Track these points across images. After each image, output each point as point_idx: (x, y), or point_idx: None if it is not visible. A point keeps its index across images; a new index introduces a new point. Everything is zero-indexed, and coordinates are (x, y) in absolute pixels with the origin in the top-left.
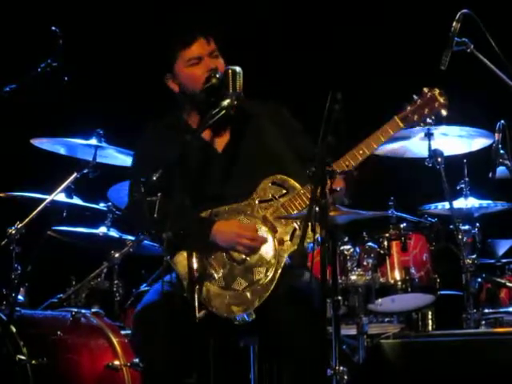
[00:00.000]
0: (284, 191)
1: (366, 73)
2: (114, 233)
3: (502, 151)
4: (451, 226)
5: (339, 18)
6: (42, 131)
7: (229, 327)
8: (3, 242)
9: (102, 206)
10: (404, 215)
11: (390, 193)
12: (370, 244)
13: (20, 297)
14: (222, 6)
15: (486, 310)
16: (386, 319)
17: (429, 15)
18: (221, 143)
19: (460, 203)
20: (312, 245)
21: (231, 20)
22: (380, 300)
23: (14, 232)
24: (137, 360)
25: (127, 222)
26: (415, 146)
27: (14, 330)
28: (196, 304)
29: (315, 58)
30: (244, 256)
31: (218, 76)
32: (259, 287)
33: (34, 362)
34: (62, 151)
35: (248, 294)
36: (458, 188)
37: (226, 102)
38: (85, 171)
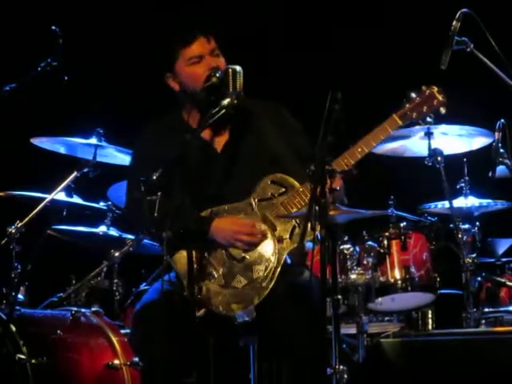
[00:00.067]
0: (283, 189)
1: (366, 72)
2: (113, 232)
3: (501, 150)
4: (451, 225)
5: (339, 18)
6: (42, 130)
7: (228, 326)
8: (3, 241)
9: (101, 205)
10: (404, 214)
11: (389, 192)
12: (369, 243)
13: (20, 296)
14: (222, 5)
15: (486, 309)
16: (386, 318)
17: (429, 14)
18: (220, 142)
19: (460, 202)
20: (311, 243)
21: (231, 20)
22: (380, 299)
23: (13, 231)
24: (136, 359)
25: (127, 221)
26: (415, 145)
27: (13, 329)
28: (196, 303)
29: (315, 58)
30: (243, 254)
31: (218, 75)
32: (259, 285)
33: (33, 361)
34: (62, 150)
35: (247, 292)
36: (457, 187)
37: (226, 101)
38: (85, 170)
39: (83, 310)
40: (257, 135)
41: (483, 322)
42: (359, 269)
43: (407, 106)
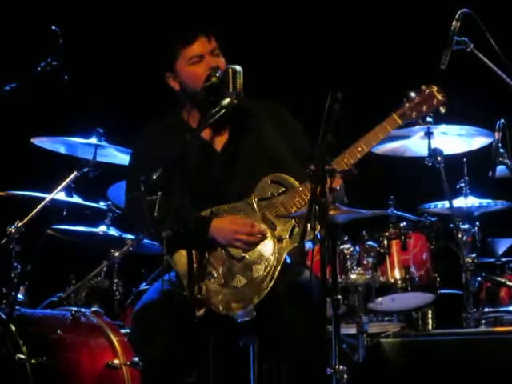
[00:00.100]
0: (283, 189)
1: (366, 72)
2: (113, 232)
3: (501, 150)
4: (451, 225)
5: (339, 18)
6: (42, 130)
7: (228, 326)
8: (3, 241)
9: (101, 204)
10: (404, 214)
11: (389, 192)
12: (369, 243)
13: (20, 296)
14: (223, 5)
15: (486, 309)
16: (386, 318)
17: (428, 14)
18: (220, 142)
19: (460, 202)
20: (311, 243)
21: (231, 20)
22: (380, 299)
23: (13, 231)
24: (136, 359)
25: (127, 221)
26: (415, 144)
27: (13, 328)
28: (196, 303)
29: (315, 58)
30: (243, 253)
31: (218, 75)
32: (258, 284)
33: (33, 361)
34: (62, 150)
35: (247, 291)
36: (457, 187)
37: (225, 101)
38: (85, 170)
39: (83, 310)
40: (257, 135)
41: (483, 322)
42: (359, 269)
43: (407, 105)
